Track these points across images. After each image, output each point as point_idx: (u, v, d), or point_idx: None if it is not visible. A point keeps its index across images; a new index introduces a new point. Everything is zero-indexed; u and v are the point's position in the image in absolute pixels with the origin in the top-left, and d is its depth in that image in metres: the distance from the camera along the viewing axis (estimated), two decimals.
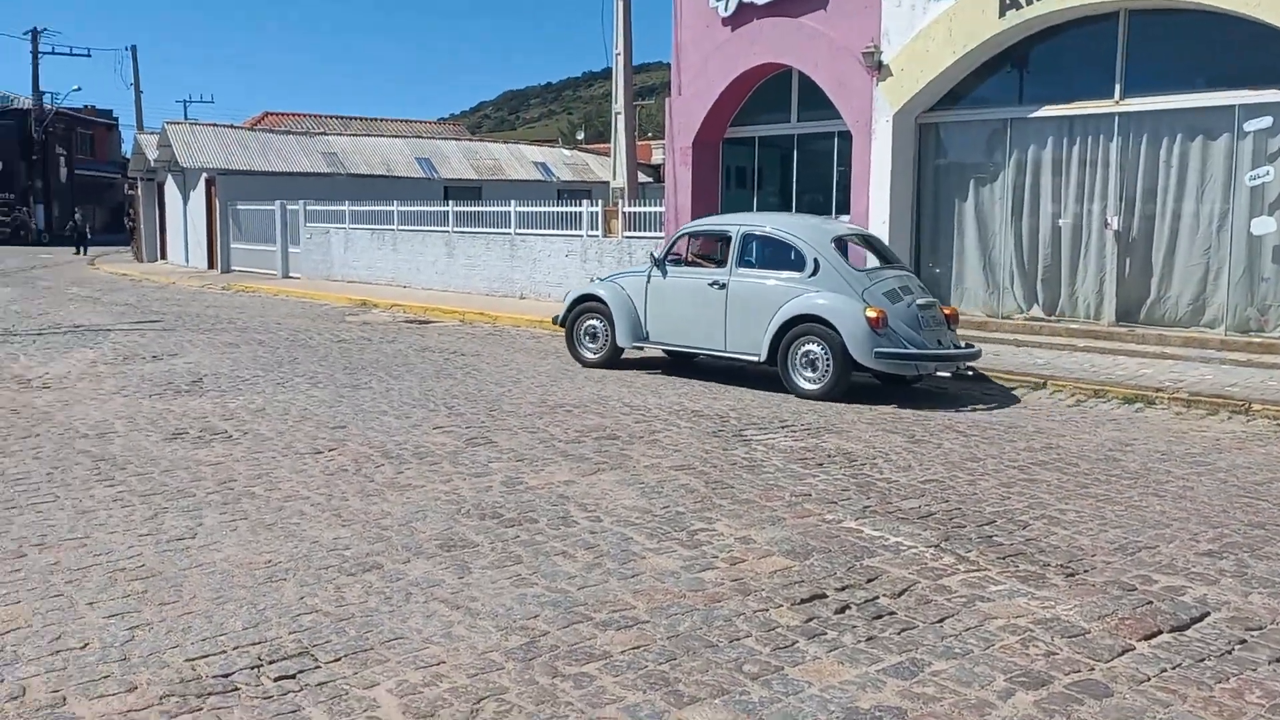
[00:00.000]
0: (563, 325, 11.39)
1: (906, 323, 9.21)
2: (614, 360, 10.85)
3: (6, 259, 32.60)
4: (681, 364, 11.12)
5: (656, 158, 34.30)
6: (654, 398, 9.17)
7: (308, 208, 23.59)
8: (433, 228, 20.40)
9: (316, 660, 3.64)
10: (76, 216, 37.94)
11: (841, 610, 4.22)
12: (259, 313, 16.65)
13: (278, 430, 7.46)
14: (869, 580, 4.57)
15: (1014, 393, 9.74)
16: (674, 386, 9.82)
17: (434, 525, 5.24)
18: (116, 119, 62.33)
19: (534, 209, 18.36)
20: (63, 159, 50.98)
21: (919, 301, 9.51)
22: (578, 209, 17.35)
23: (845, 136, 13.89)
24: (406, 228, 21.01)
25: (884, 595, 4.39)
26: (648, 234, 15.91)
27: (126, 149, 66.41)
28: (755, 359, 9.72)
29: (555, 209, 18.14)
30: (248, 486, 5.92)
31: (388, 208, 21.70)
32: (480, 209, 19.73)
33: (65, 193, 50.03)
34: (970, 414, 8.72)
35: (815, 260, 9.43)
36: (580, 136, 58.43)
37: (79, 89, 72.17)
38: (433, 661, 3.65)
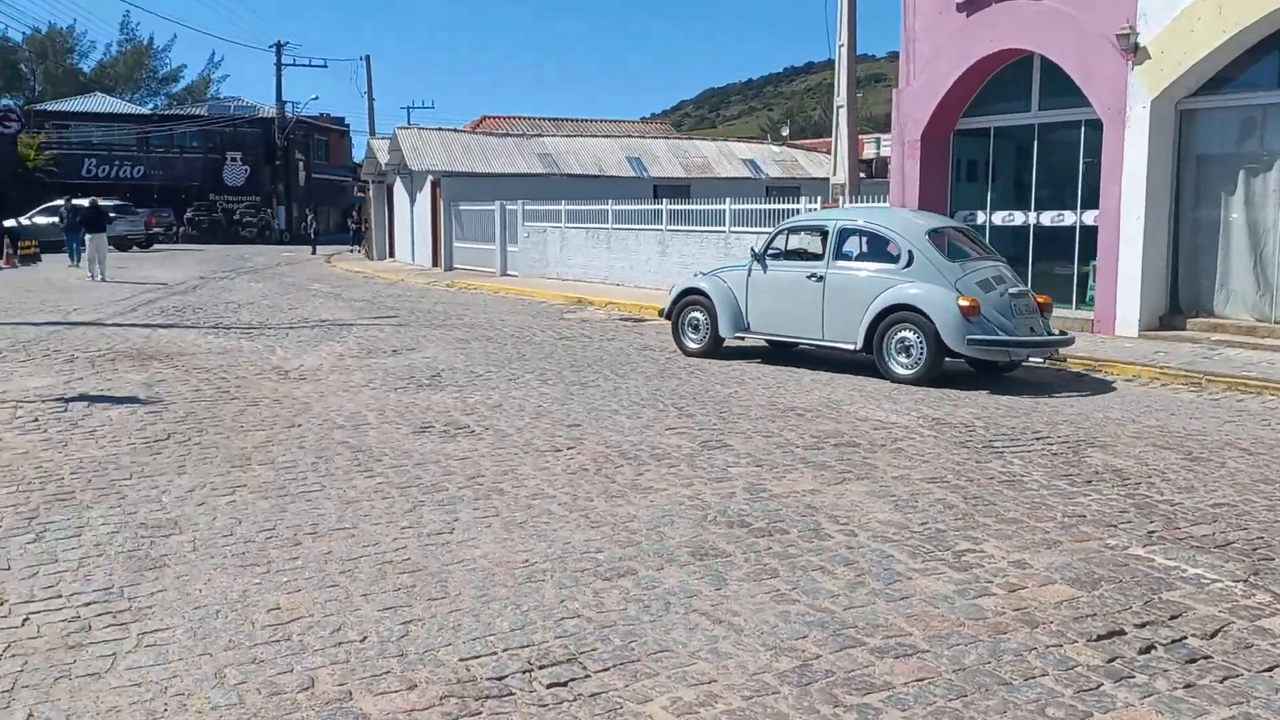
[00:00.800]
0: (668, 317, 12.00)
1: (999, 310, 9.57)
2: (715, 350, 11.45)
3: (255, 256, 35.44)
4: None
5: (867, 152, 33.37)
6: (889, 403, 8.77)
7: (525, 207, 24.31)
8: (646, 226, 20.56)
9: (586, 669, 3.56)
10: (309, 217, 40.81)
11: (1146, 650, 3.78)
12: (482, 309, 17.25)
13: (516, 426, 7.58)
14: (1172, 617, 4.08)
15: None
16: (911, 394, 9.36)
17: (682, 531, 5.11)
18: (348, 125, 66.82)
19: (747, 206, 18.15)
20: (301, 163, 55.00)
21: (1011, 290, 9.80)
22: (794, 206, 17.00)
23: (1094, 125, 12.91)
24: (621, 226, 21.28)
25: (1193, 636, 3.91)
26: None
27: (356, 154, 71.10)
28: (851, 347, 10.17)
29: (769, 206, 17.87)
30: (495, 483, 6.00)
31: (602, 206, 22.05)
32: (693, 207, 19.71)
33: (303, 195, 53.95)
34: (1257, 429, 7.84)
35: (909, 252, 9.80)
36: (785, 132, 57.78)
37: (316, 98, 77.85)
38: (703, 679, 3.49)
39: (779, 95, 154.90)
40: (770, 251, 11.03)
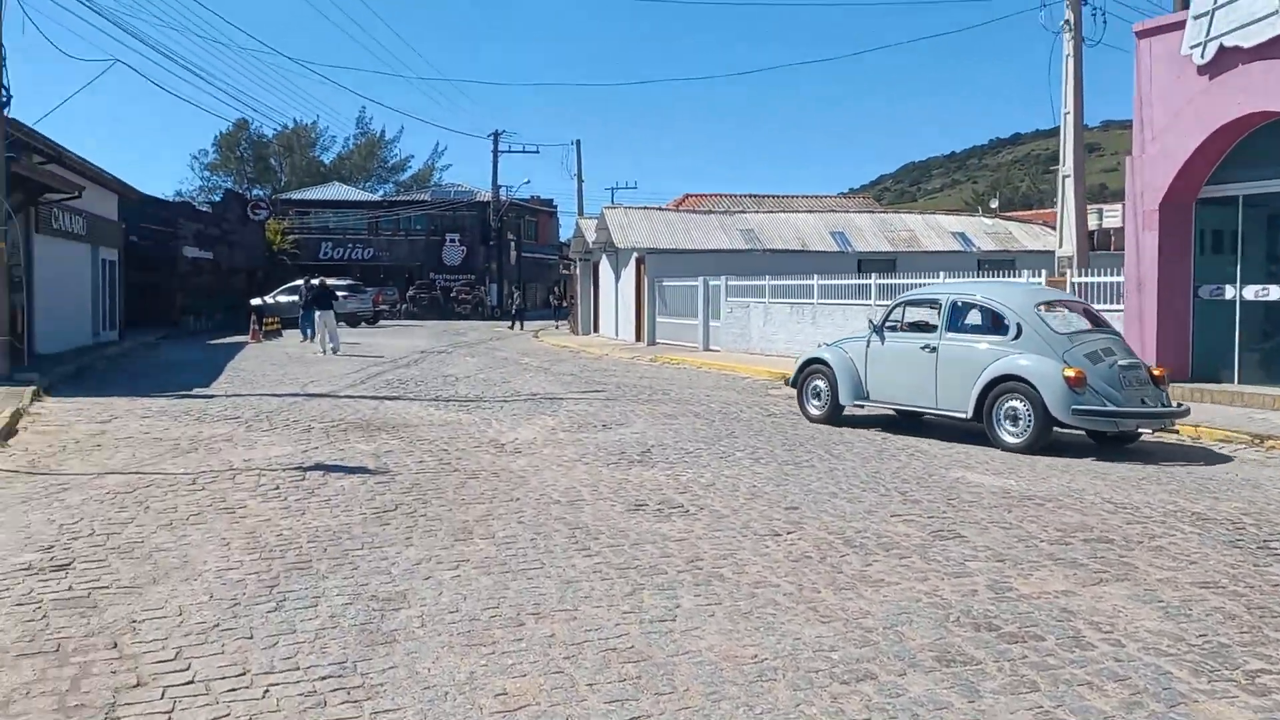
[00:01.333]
0: (794, 386, 12.76)
1: (1107, 382, 9.79)
2: (835, 417, 12.01)
3: (469, 331, 37.22)
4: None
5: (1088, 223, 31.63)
6: (1138, 494, 7.98)
7: (729, 282, 24.36)
8: (852, 301, 20.12)
9: None
10: (515, 295, 42.45)
11: None
12: (687, 384, 17.25)
13: (731, 507, 7.35)
14: None
15: None
16: (1162, 484, 8.51)
17: (923, 632, 4.71)
18: (555, 206, 69.75)
19: (962, 281, 17.41)
20: (512, 243, 57.73)
21: (1120, 362, 10.03)
22: (1015, 280, 16.17)
23: None
24: (826, 301, 20.93)
25: None
26: (1105, 306, 14.27)
27: (562, 233, 74.08)
28: (963, 416, 10.53)
29: (985, 281, 17.07)
30: (715, 567, 5.78)
31: (806, 281, 21.79)
32: (905, 281, 19.12)
33: (513, 273, 56.50)
34: None
35: (1018, 324, 10.24)
36: (994, 204, 55.79)
37: (528, 181, 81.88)
38: None
39: (983, 167, 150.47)
40: (888, 324, 11.61)
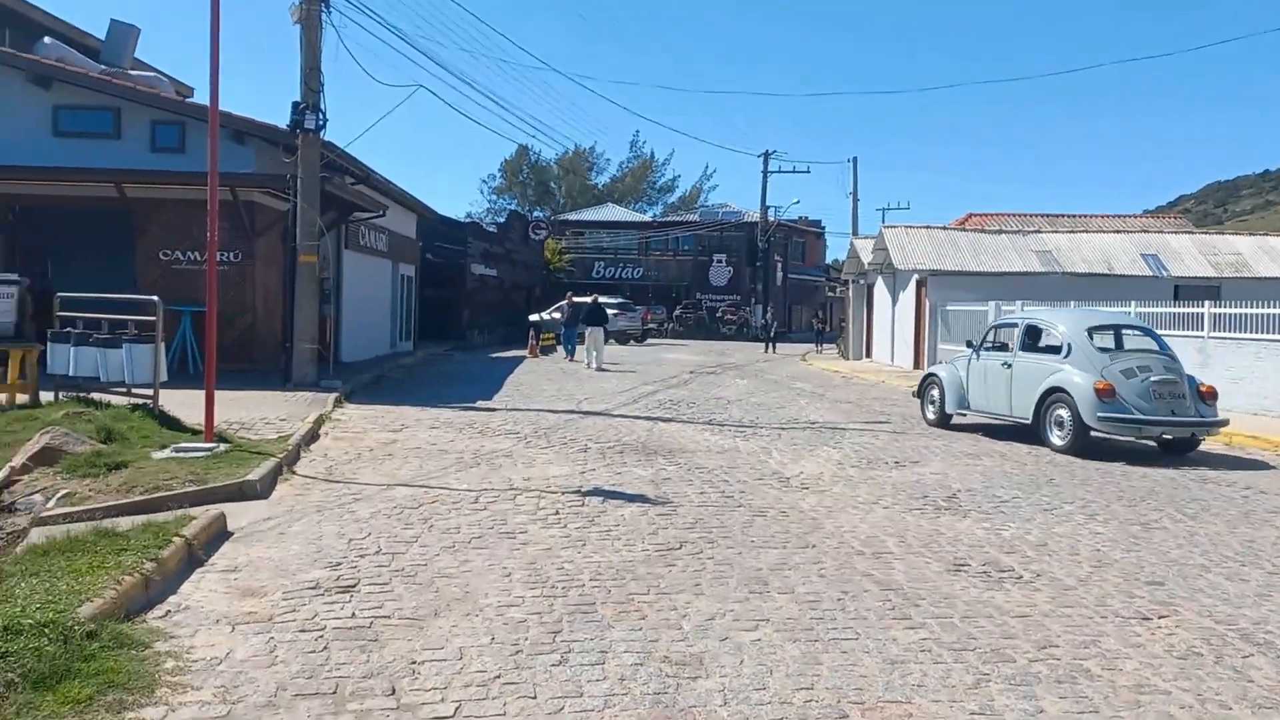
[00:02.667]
0: (917, 396, 14.96)
1: (1138, 395, 11.29)
2: (944, 422, 13.87)
3: (734, 352, 36.77)
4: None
5: None
6: None
7: (1025, 307, 22.31)
8: (1178, 332, 17.70)
9: None
10: (767, 315, 41.37)
11: None
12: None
13: (1076, 577, 6.15)
14: None
15: None
16: None
17: None
18: (823, 227, 68.36)
19: None
20: (779, 265, 56.99)
21: (1155, 378, 11.41)
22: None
23: None
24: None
25: None
26: None
27: (829, 255, 72.48)
28: (1025, 421, 12.30)
29: None
30: (1076, 658, 4.68)
31: (1122, 309, 19.47)
32: (1245, 311, 16.56)
33: (779, 295, 55.72)
34: None
35: (1069, 344, 12.00)
36: None
37: (798, 201, 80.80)
38: None
39: None
40: (985, 344, 13.62)
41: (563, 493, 8.43)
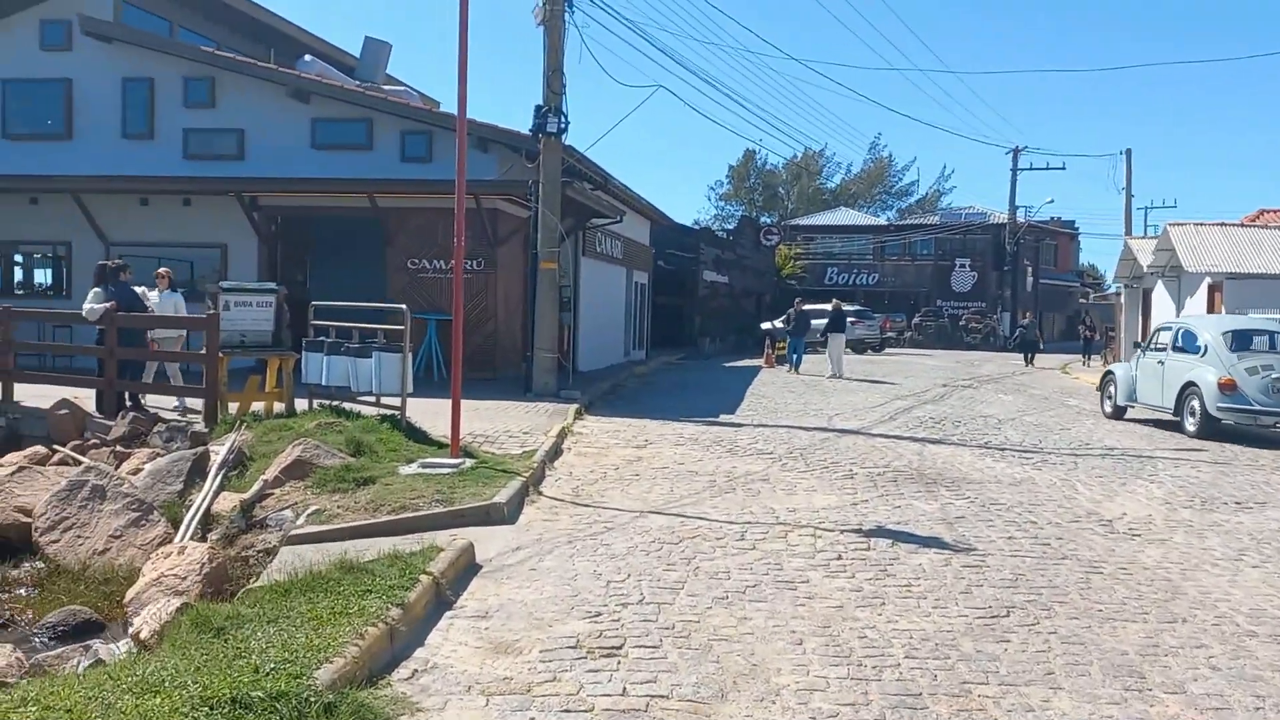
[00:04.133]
0: (1099, 389, 17.21)
1: (1259, 389, 13.15)
2: (1118, 415, 15.78)
3: (983, 364, 34.13)
4: None
5: None
6: None
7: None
8: None
9: None
10: (1024, 322, 38.02)
11: None
12: None
13: None
14: None
15: None
16: None
17: None
18: (1077, 229, 63.25)
19: None
20: (1029, 269, 53.06)
21: (1275, 375, 13.19)
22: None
23: None
24: None
25: None
26: None
27: (1081, 258, 67.10)
28: (1169, 410, 14.34)
29: None
30: None
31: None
32: None
33: (1028, 301, 51.85)
34: None
35: (1206, 345, 13.97)
36: None
37: (1051, 201, 75.17)
38: None
39: None
40: (1150, 346, 15.48)
41: (839, 530, 7.27)
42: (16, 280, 19.71)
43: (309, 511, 7.81)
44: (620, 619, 5.12)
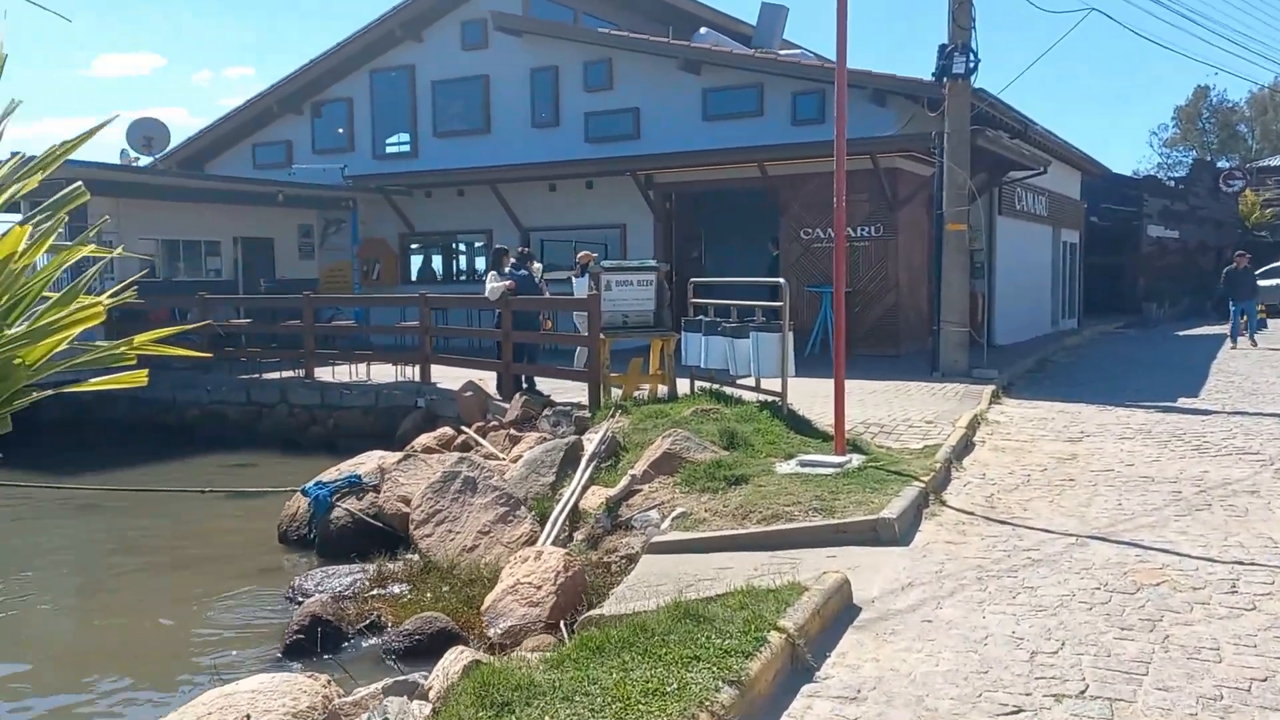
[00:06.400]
0: None
1: None
2: None
3: None
4: None
5: None
6: None
7: None
8: None
9: None
10: None
11: None
12: None
13: None
14: None
15: None
16: None
17: None
18: None
19: None
20: None
21: None
22: None
23: None
24: None
25: None
26: None
27: None
28: None
29: None
30: None
31: None
32: None
33: None
34: None
35: None
36: None
37: None
38: None
39: None
40: None
41: None
42: (456, 269, 21.36)
43: (674, 514, 6.99)
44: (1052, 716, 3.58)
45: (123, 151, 18.61)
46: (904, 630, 4.49)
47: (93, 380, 2.57)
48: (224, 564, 8.32)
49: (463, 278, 20.74)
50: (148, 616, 7.29)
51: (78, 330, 2.38)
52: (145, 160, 19.07)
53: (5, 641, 6.95)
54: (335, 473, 8.86)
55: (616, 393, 10.77)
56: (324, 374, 14.26)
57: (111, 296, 2.62)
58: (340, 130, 21.17)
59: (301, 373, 14.30)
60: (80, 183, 2.72)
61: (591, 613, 5.04)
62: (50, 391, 2.53)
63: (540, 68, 19.18)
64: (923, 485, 6.99)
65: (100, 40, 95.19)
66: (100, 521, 10.06)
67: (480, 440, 10.84)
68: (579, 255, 13.03)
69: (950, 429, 9.24)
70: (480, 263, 20.25)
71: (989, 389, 11.93)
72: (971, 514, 6.68)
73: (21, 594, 7.88)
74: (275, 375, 14.60)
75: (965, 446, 8.86)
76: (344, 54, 20.62)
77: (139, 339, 2.54)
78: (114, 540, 9.44)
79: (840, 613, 4.66)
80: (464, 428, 11.39)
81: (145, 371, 2.59)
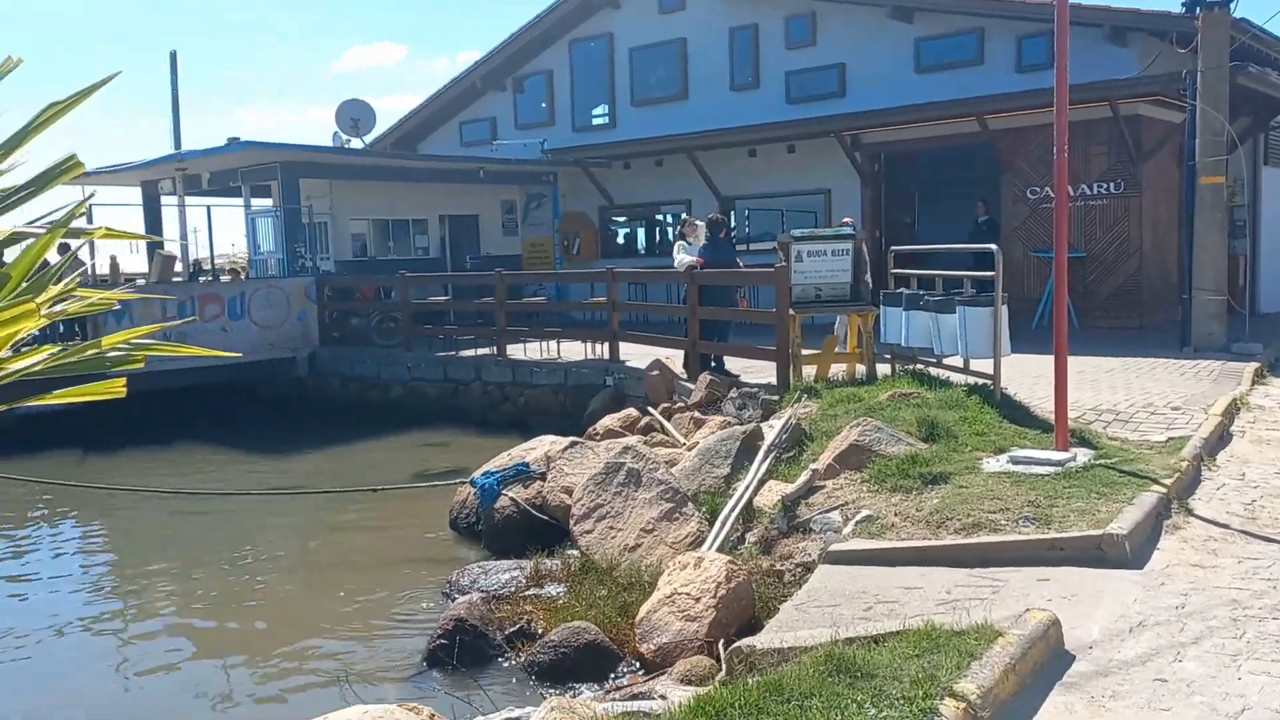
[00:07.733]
0: None
1: None
2: None
3: None
4: None
5: None
6: None
7: None
8: None
9: None
10: None
11: None
12: None
13: None
14: None
15: None
16: None
17: None
18: None
19: None
20: None
21: None
22: None
23: None
24: None
25: None
26: None
27: None
28: None
29: None
30: None
31: None
32: None
33: None
34: None
35: None
36: None
37: None
38: None
39: None
40: None
41: None
42: (655, 241, 20.92)
43: (859, 517, 6.16)
44: None
45: (334, 134, 19.30)
46: (1128, 693, 3.52)
47: (57, 391, 2.14)
48: (393, 551, 8.18)
49: (660, 251, 20.28)
50: (304, 608, 7.19)
51: (15, 334, 1.93)
52: (356, 143, 19.72)
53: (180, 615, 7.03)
54: (506, 458, 8.55)
55: (810, 373, 9.93)
56: (515, 351, 14.16)
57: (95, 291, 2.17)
58: (543, 105, 21.14)
59: (495, 350, 14.28)
60: (74, 154, 2.30)
61: (742, 642, 4.35)
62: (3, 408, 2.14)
63: (739, 26, 18.31)
64: (1164, 490, 5.82)
65: (349, 32, 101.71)
66: (288, 506, 10.17)
67: (664, 423, 10.29)
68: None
69: (1202, 417, 7.82)
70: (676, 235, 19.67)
71: (1251, 367, 10.19)
72: (1226, 527, 5.48)
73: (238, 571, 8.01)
74: (470, 353, 14.68)
75: (1220, 439, 7.46)
76: (543, 26, 20.51)
77: (107, 340, 2.08)
78: (292, 528, 9.50)
79: (1045, 663, 3.73)
80: (650, 409, 10.88)
81: (123, 381, 2.13)
